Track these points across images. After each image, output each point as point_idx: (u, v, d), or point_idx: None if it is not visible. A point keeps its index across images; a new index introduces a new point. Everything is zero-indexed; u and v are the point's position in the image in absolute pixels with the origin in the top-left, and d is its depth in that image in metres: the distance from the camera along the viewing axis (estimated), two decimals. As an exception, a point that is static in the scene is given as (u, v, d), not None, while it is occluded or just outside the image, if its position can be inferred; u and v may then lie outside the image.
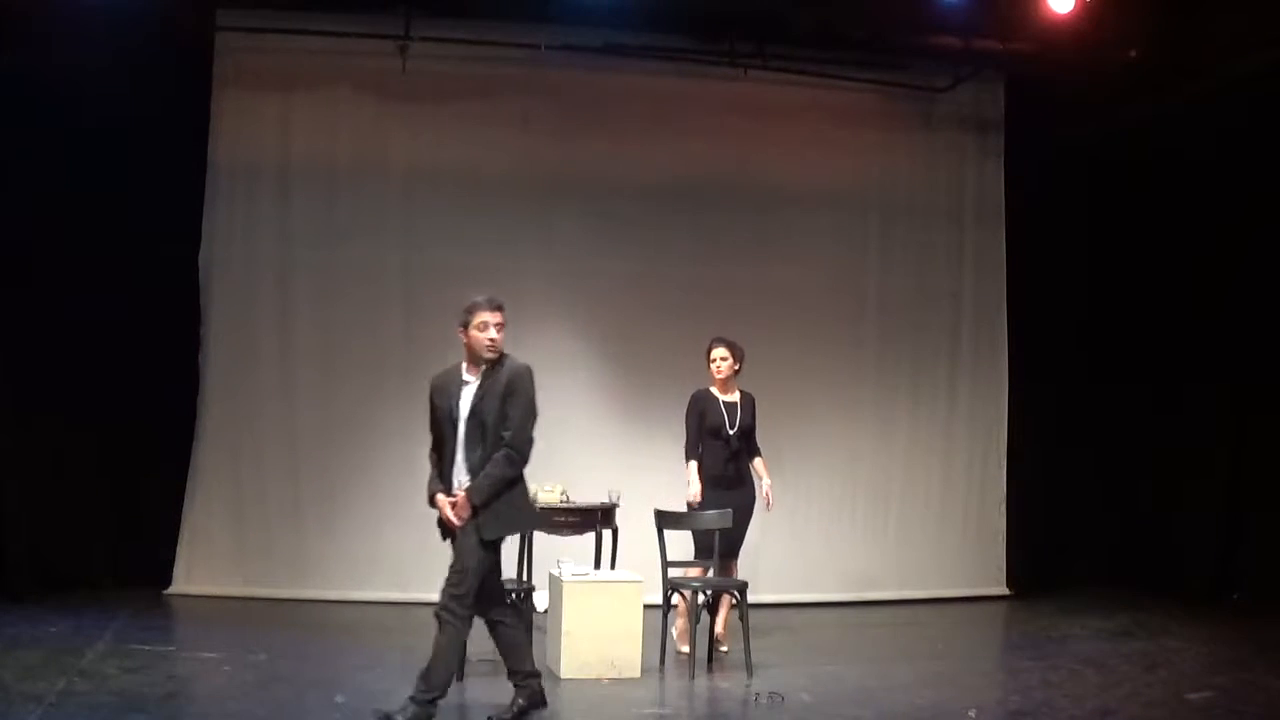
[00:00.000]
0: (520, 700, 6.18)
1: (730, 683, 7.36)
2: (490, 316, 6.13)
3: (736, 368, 8.18)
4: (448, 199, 10.29)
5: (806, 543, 10.65)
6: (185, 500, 9.91)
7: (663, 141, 10.46)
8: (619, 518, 8.73)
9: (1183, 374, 10.83)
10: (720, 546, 7.76)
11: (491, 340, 6.14)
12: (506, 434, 6.06)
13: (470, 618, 6.03)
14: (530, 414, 6.19)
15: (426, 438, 10.32)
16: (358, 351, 10.18)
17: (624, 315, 10.46)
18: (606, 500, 8.74)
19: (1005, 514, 11.10)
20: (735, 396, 8.23)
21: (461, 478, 6.17)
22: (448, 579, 6.03)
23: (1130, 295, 11.19)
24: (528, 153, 10.30)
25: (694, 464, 8.16)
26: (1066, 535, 11.18)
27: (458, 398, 6.22)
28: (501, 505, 6.06)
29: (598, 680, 7.22)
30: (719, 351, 8.20)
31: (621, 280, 10.46)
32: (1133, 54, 9.56)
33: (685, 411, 8.32)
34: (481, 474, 6.05)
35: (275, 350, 10.12)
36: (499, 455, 6.05)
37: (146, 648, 7.63)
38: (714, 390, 8.25)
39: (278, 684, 6.87)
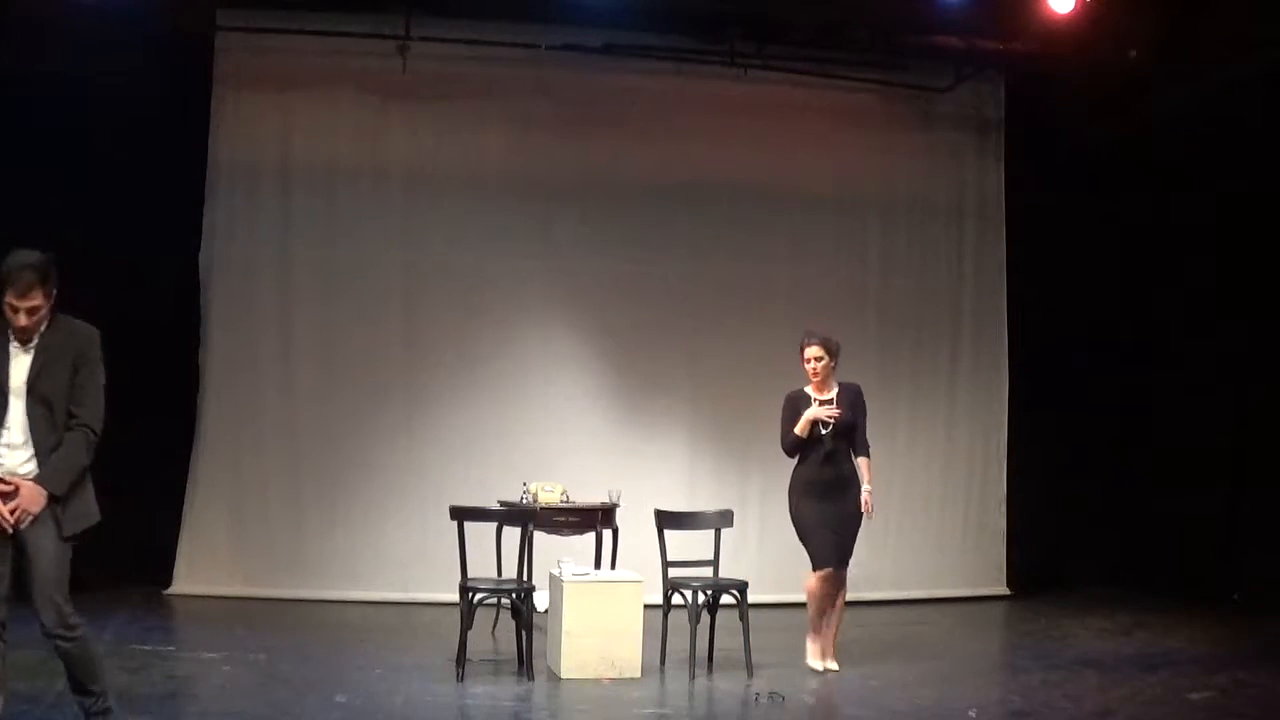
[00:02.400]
0: None
1: (730, 683, 7.35)
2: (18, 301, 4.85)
3: (832, 365, 7.62)
4: (448, 199, 10.29)
5: (806, 543, 10.64)
6: (185, 500, 9.92)
7: (663, 141, 10.46)
8: (619, 518, 8.74)
9: (1183, 374, 10.83)
10: (833, 556, 7.53)
11: (23, 326, 4.87)
12: (82, 411, 4.97)
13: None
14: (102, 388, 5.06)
15: (428, 437, 10.42)
16: (357, 351, 10.18)
17: (624, 315, 10.46)
18: (606, 500, 8.75)
19: (1005, 514, 11.11)
20: (832, 392, 7.60)
21: (8, 463, 4.90)
22: (43, 605, 4.89)
23: (1130, 295, 11.20)
24: (528, 152, 10.30)
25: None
26: (1066, 535, 11.18)
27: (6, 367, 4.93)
28: (75, 496, 5.00)
29: (598, 680, 7.22)
30: (812, 351, 7.61)
31: (621, 280, 10.47)
32: (1133, 54, 9.56)
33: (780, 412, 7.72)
34: (56, 457, 4.90)
35: (275, 350, 10.13)
36: (76, 436, 4.96)
37: (146, 648, 7.63)
38: (809, 390, 7.66)
39: (278, 684, 6.86)
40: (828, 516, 7.50)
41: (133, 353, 9.47)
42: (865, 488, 7.51)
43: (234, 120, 10.04)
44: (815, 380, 7.63)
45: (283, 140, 10.17)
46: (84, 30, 8.85)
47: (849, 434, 7.55)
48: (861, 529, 11.60)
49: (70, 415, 4.94)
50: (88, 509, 5.06)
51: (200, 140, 9.94)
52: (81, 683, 5.03)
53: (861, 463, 7.57)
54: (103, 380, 5.01)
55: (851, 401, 7.59)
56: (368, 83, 10.11)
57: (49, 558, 4.86)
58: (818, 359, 7.60)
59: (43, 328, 4.92)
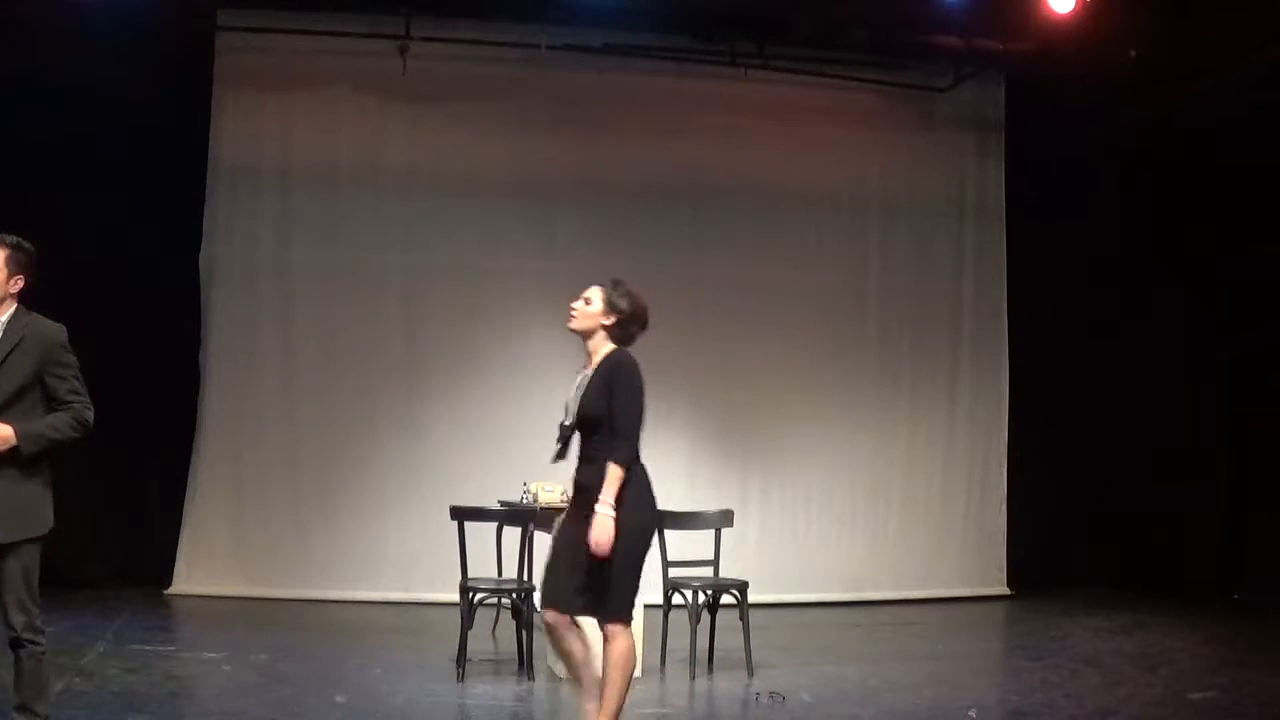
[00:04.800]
0: None
1: (730, 683, 7.36)
2: None
3: (607, 321, 5.41)
4: (448, 199, 10.29)
5: (806, 543, 10.67)
6: (185, 500, 9.92)
7: (663, 141, 10.45)
8: (619, 518, 8.72)
9: (1183, 374, 10.84)
10: (546, 591, 5.42)
11: None
12: (76, 400, 4.84)
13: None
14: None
15: (428, 436, 10.43)
16: (358, 351, 10.18)
17: (624, 315, 10.44)
18: (606, 500, 8.73)
19: (1005, 514, 11.11)
20: (595, 360, 5.42)
21: None
22: (13, 608, 4.65)
23: (1130, 295, 11.20)
24: (528, 153, 10.29)
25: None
26: (1066, 535, 11.18)
27: None
28: (33, 501, 4.74)
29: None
30: (586, 293, 5.57)
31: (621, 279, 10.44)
32: (1133, 54, 9.56)
33: None
34: (40, 421, 4.73)
35: (275, 350, 10.13)
36: (63, 413, 4.80)
37: (147, 648, 7.63)
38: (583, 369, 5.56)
39: (278, 684, 6.86)
40: (559, 535, 5.54)
41: (133, 353, 9.59)
42: (598, 509, 5.16)
43: (234, 120, 10.04)
44: (573, 330, 5.50)
45: (283, 140, 10.16)
46: (84, 30, 8.84)
47: (591, 427, 5.35)
48: (861, 529, 11.50)
49: (60, 403, 4.79)
50: (40, 516, 4.77)
51: (200, 140, 9.93)
52: (28, 703, 4.71)
53: (610, 473, 5.20)
54: (76, 370, 4.87)
55: (603, 381, 5.32)
56: (368, 83, 10.11)
57: (17, 559, 4.67)
58: (587, 301, 5.49)
59: (5, 316, 4.81)
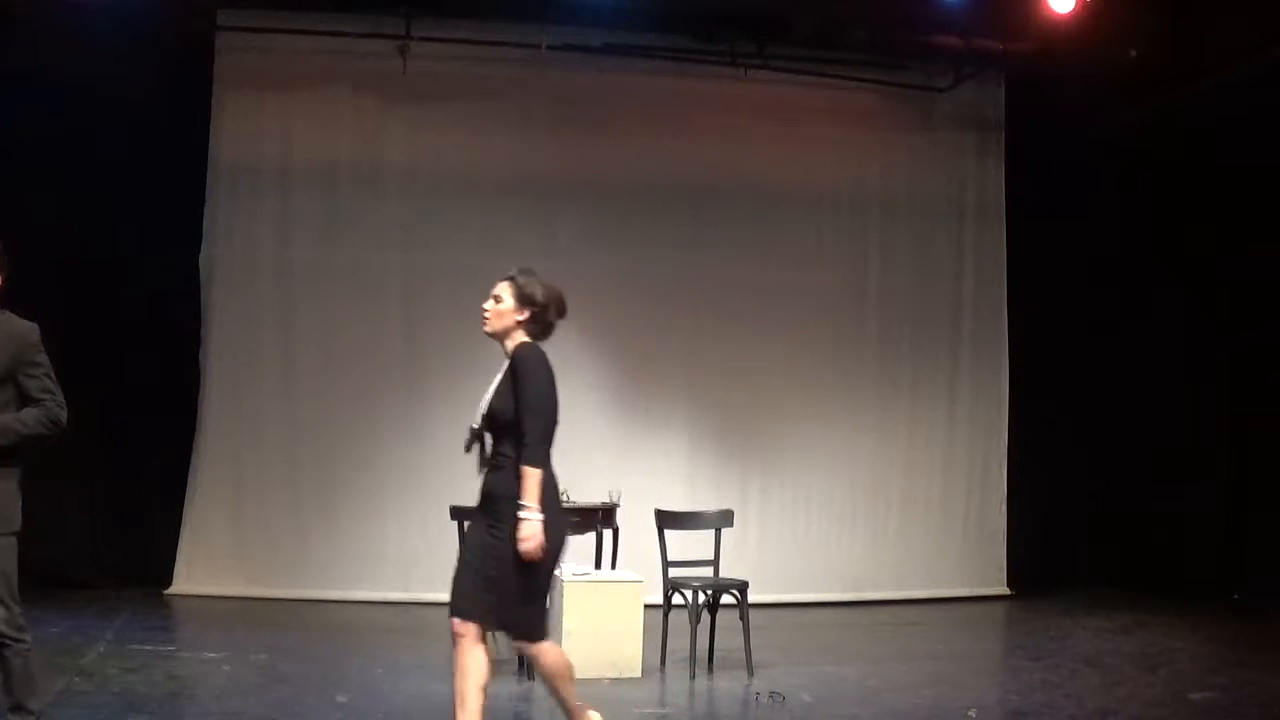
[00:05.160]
0: None
1: (730, 683, 7.36)
2: None
3: (520, 318, 5.11)
4: (448, 199, 10.29)
5: (806, 543, 10.67)
6: (185, 500, 9.92)
7: (663, 141, 10.46)
8: (619, 518, 8.74)
9: (1183, 374, 10.84)
10: (453, 600, 4.98)
11: None
12: (48, 398, 4.73)
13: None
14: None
15: (428, 436, 10.42)
16: (358, 351, 10.18)
17: (624, 315, 10.46)
18: (606, 500, 8.74)
19: (1005, 514, 11.11)
20: (506, 363, 5.15)
21: None
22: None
23: (1130, 295, 11.20)
24: (528, 153, 10.29)
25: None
26: (1066, 535, 11.18)
27: None
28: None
29: (598, 680, 7.21)
30: (496, 290, 5.25)
31: (621, 280, 10.46)
32: (1133, 54, 9.57)
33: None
34: (11, 415, 4.66)
35: (275, 350, 10.13)
36: (35, 409, 4.69)
37: (147, 648, 7.63)
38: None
39: (278, 684, 6.87)
40: (466, 544, 5.25)
41: (133, 353, 9.60)
42: (523, 514, 4.81)
43: (234, 120, 10.04)
44: (488, 334, 5.24)
45: (283, 140, 10.17)
46: (84, 30, 8.84)
47: (500, 429, 5.05)
48: (861, 529, 11.50)
49: (32, 401, 4.70)
50: (10, 513, 4.74)
51: (200, 140, 9.94)
52: (20, 700, 4.68)
53: (526, 475, 4.86)
54: (49, 370, 4.77)
55: (510, 378, 5.08)
56: (368, 83, 10.11)
57: None
58: (497, 300, 5.18)
59: None
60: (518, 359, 5.02)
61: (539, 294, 5.10)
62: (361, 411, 10.12)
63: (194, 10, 9.52)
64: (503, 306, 5.13)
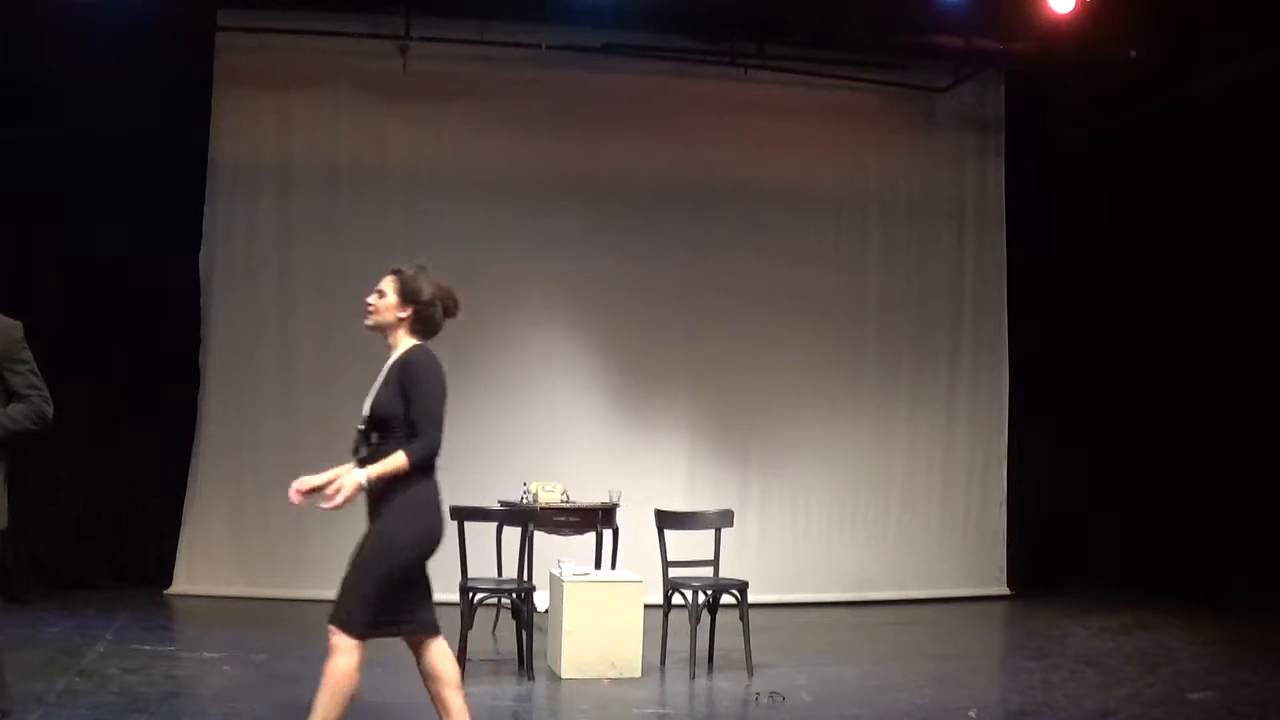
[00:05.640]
0: None
1: (730, 683, 7.36)
2: None
3: (404, 314, 5.01)
4: (448, 199, 10.28)
5: (806, 543, 10.67)
6: (185, 500, 9.92)
7: (663, 141, 10.46)
8: (619, 518, 8.74)
9: (1183, 374, 10.83)
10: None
11: None
12: (34, 393, 4.75)
13: None
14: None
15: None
16: (358, 351, 10.12)
17: (624, 315, 10.46)
18: (606, 500, 8.75)
19: (1005, 514, 11.11)
20: (392, 357, 5.13)
21: None
22: None
23: (1130, 294, 11.20)
24: (528, 153, 10.30)
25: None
26: (1066, 535, 11.17)
27: None
28: None
29: (598, 680, 7.22)
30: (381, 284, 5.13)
31: (621, 280, 10.46)
32: (1133, 54, 9.56)
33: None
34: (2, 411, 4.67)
35: (275, 350, 10.13)
36: (22, 404, 4.71)
37: (146, 648, 7.62)
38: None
39: (278, 684, 6.86)
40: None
41: (133, 353, 9.60)
42: (357, 472, 5.21)
43: (234, 120, 10.03)
44: (370, 328, 5.24)
45: (283, 140, 10.16)
46: (84, 30, 8.85)
47: (383, 430, 5.16)
48: (861, 529, 11.47)
49: (18, 397, 4.70)
50: None
51: (200, 140, 9.93)
52: None
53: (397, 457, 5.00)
54: (34, 366, 4.78)
55: (396, 381, 5.06)
56: (368, 83, 10.11)
57: None
58: (380, 294, 5.09)
59: None
60: (408, 364, 4.90)
61: (424, 291, 4.93)
62: (361, 410, 10.09)
63: (194, 10, 9.51)
64: (385, 302, 5.00)
